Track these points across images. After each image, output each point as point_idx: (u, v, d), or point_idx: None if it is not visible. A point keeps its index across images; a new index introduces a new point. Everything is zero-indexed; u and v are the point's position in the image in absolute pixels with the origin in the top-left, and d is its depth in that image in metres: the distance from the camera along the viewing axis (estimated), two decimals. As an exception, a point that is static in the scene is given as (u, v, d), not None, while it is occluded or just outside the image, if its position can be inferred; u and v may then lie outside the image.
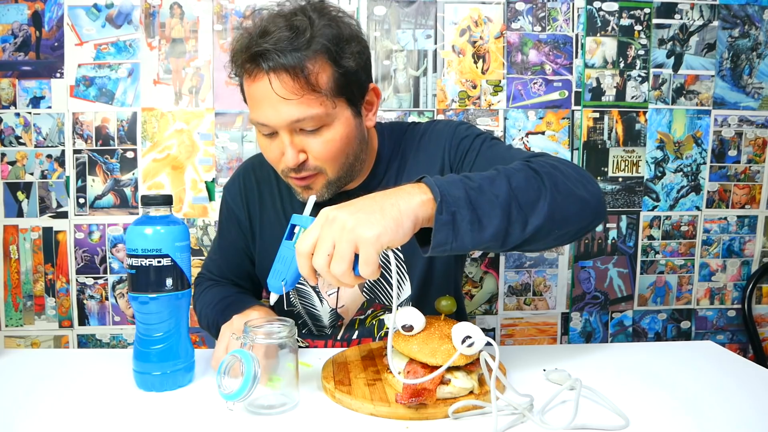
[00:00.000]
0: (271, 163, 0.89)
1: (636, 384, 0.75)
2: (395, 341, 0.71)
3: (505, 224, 0.64)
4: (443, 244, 0.62)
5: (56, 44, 1.47)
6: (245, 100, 0.86)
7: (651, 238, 1.63)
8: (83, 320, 1.54)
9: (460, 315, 1.07)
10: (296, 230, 0.69)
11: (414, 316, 0.70)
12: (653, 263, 1.64)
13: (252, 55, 0.78)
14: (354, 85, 0.84)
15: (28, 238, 1.51)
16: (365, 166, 0.96)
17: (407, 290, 0.96)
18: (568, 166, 0.75)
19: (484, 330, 1.61)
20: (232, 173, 1.09)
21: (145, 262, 0.72)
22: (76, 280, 1.52)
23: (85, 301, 1.53)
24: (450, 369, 0.66)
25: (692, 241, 1.64)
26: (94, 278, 1.53)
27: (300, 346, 0.72)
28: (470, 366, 0.68)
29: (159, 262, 0.72)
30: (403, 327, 0.70)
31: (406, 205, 0.61)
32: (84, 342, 1.55)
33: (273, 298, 0.71)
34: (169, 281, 0.73)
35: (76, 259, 1.52)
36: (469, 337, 0.66)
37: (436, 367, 0.65)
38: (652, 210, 1.62)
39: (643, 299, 1.65)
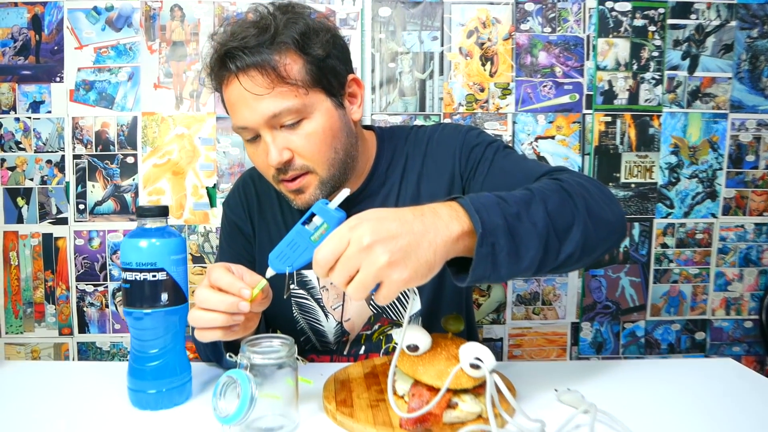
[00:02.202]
0: (261, 171, 0.86)
1: (653, 406, 0.71)
2: (400, 361, 0.67)
3: (540, 254, 0.61)
4: (481, 278, 0.59)
5: (56, 48, 1.45)
6: (227, 112, 0.84)
7: (665, 246, 1.58)
8: (83, 328, 1.51)
9: (470, 332, 1.03)
10: (315, 219, 0.64)
11: (419, 336, 0.67)
12: (667, 272, 1.59)
13: (220, 58, 0.77)
14: (329, 74, 0.81)
15: (28, 245, 1.49)
16: (362, 167, 0.92)
17: (417, 305, 0.93)
18: (593, 184, 0.72)
19: (491, 340, 1.56)
20: (231, 188, 1.05)
21: (140, 276, 0.70)
22: (76, 287, 1.50)
23: (85, 309, 1.51)
24: (457, 392, 0.63)
25: (707, 250, 1.59)
26: (94, 285, 1.50)
27: (301, 365, 0.69)
28: (478, 389, 0.65)
29: (154, 276, 0.70)
30: (408, 347, 0.66)
31: (443, 243, 0.57)
32: (84, 350, 1.52)
33: (269, 272, 0.68)
34: (164, 296, 0.71)
35: (76, 265, 1.50)
36: (479, 359, 0.62)
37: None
38: (666, 217, 1.57)
39: (656, 309, 1.60)
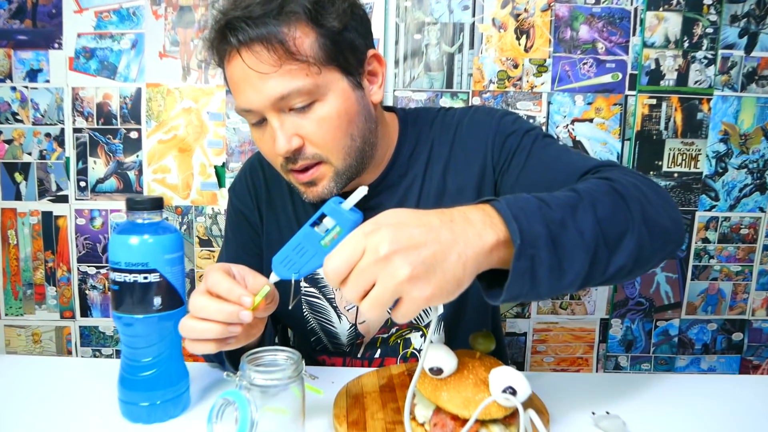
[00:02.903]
0: (268, 159, 0.77)
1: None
2: (421, 383, 0.60)
3: (586, 268, 0.52)
4: (517, 296, 0.50)
5: (54, 11, 1.34)
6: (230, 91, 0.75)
7: (706, 241, 1.46)
8: (85, 311, 1.45)
9: (498, 348, 0.93)
10: (325, 221, 0.56)
11: (443, 357, 0.59)
12: (706, 269, 1.47)
13: (221, 30, 0.68)
14: (346, 49, 0.71)
15: (27, 223, 1.41)
16: (381, 155, 0.82)
17: (440, 308, 0.83)
18: (647, 184, 0.63)
19: (513, 335, 1.48)
20: (237, 172, 0.96)
21: (129, 277, 0.62)
22: (78, 268, 1.43)
23: (87, 291, 1.44)
24: (485, 422, 0.56)
25: (752, 246, 1.47)
26: (97, 267, 1.43)
27: (312, 377, 0.61)
28: (509, 418, 0.57)
29: (146, 278, 0.62)
30: (431, 370, 0.58)
31: (474, 255, 0.48)
32: (87, 334, 1.46)
33: (273, 278, 0.60)
34: (157, 300, 0.63)
35: (77, 246, 1.42)
36: (512, 389, 0.54)
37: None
38: (710, 210, 1.45)
39: (693, 307, 1.49)
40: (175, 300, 0.65)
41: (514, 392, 0.54)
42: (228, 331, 0.58)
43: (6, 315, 1.45)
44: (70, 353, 1.46)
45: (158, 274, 0.63)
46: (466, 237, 0.49)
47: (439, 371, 0.58)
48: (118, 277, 0.63)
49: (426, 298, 0.47)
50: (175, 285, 0.65)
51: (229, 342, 0.61)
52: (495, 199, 0.53)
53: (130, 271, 0.62)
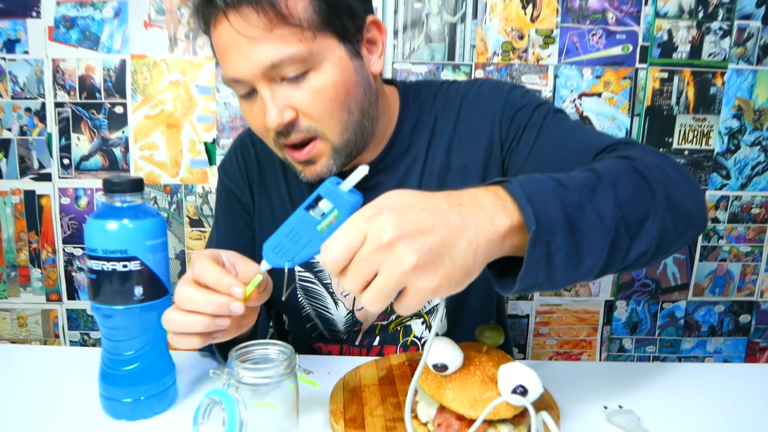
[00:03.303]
0: (259, 134, 0.71)
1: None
2: (423, 379, 0.56)
3: (605, 255, 0.48)
4: (531, 286, 0.46)
5: (31, -24, 1.26)
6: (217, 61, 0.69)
7: (715, 220, 1.41)
8: (72, 294, 1.40)
9: (505, 348, 0.88)
10: (321, 204, 0.51)
11: (448, 352, 0.54)
12: (715, 249, 1.43)
13: None
14: (343, 14, 0.65)
15: (9, 202, 1.35)
16: (381, 131, 0.77)
17: (442, 309, 0.79)
18: (669, 164, 0.59)
19: (516, 317, 1.44)
20: (228, 149, 0.90)
21: (108, 266, 0.58)
22: (63, 250, 1.37)
23: (73, 273, 1.39)
24: (493, 422, 0.53)
25: (763, 226, 1.42)
26: (83, 249, 1.37)
27: (307, 371, 0.56)
28: (518, 417, 0.54)
29: (125, 266, 0.58)
30: (435, 366, 0.54)
31: (485, 241, 0.44)
32: (74, 317, 1.41)
33: (264, 266, 0.55)
34: (138, 290, 0.59)
35: (62, 226, 1.36)
36: (522, 387, 0.50)
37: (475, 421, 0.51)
38: (720, 189, 1.40)
39: (700, 289, 1.45)
40: (158, 289, 0.61)
41: (525, 391, 0.50)
42: (215, 324, 0.53)
43: (-10, 298, 1.40)
44: (57, 337, 1.42)
45: (139, 261, 0.58)
46: (476, 222, 0.44)
47: (443, 368, 0.54)
48: (96, 265, 0.58)
49: (432, 288, 0.43)
50: (158, 273, 0.60)
51: (217, 335, 0.56)
52: (507, 180, 0.48)
53: (108, 259, 0.57)
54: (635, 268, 0.56)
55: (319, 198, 0.51)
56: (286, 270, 0.54)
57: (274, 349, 0.55)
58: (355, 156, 0.72)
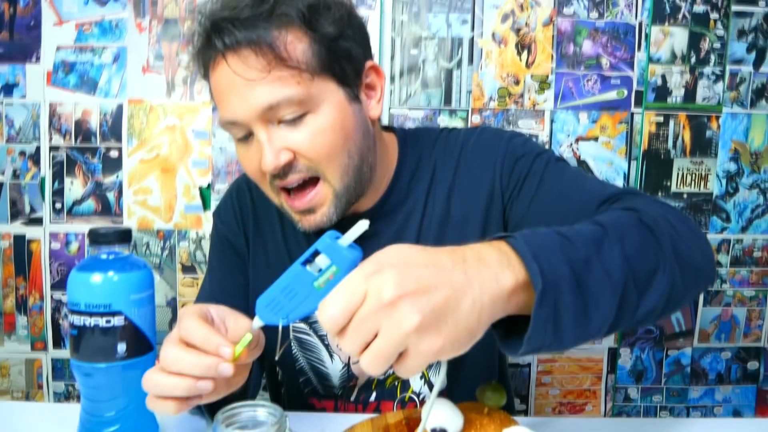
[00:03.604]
0: (254, 178, 0.70)
1: None
2: None
3: (614, 313, 0.46)
4: (539, 347, 0.44)
5: (32, 23, 1.27)
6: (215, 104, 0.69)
7: (718, 264, 1.39)
8: (58, 342, 1.35)
9: (507, 403, 0.84)
10: (319, 259, 0.48)
11: (448, 415, 0.52)
12: (719, 294, 1.40)
13: (206, 33, 0.63)
14: (342, 58, 0.66)
15: (-2, 247, 1.33)
16: (379, 178, 0.75)
17: (443, 375, 0.76)
18: (675, 215, 0.57)
19: (516, 366, 1.39)
20: (223, 194, 0.88)
21: (90, 321, 0.55)
22: (51, 296, 1.34)
23: (60, 321, 1.34)
24: None
25: (766, 269, 1.40)
26: (72, 295, 1.34)
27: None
28: None
29: (108, 321, 0.55)
30: (434, 431, 0.51)
31: (491, 301, 0.42)
32: (59, 367, 1.36)
33: (257, 323, 0.52)
34: (121, 346, 0.56)
35: (51, 272, 1.33)
36: None
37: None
38: (721, 232, 1.38)
39: (705, 335, 1.42)
40: (143, 345, 0.58)
41: None
42: (197, 388, 0.50)
43: (-27, 346, 1.35)
44: (40, 387, 1.36)
45: (123, 316, 0.56)
46: (481, 280, 0.42)
47: None
48: (77, 320, 0.56)
49: (435, 351, 0.40)
50: (143, 328, 0.58)
51: (195, 401, 0.52)
52: (510, 235, 0.46)
53: (91, 314, 0.55)
54: (644, 325, 0.54)
55: (316, 253, 0.49)
56: (280, 328, 0.51)
57: (263, 411, 0.51)
58: (352, 202, 0.71)
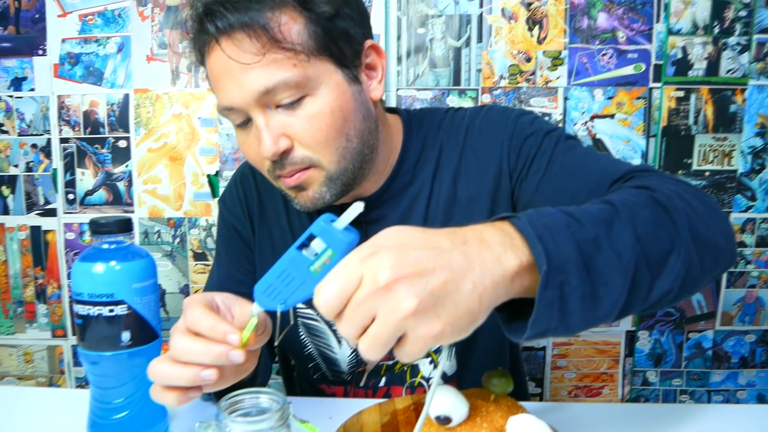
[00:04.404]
0: (254, 163, 0.69)
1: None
2: (425, 430, 0.52)
3: (625, 296, 0.44)
4: (544, 332, 0.42)
5: (37, 16, 1.28)
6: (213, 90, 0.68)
7: (742, 245, 1.34)
8: (77, 330, 1.38)
9: (518, 385, 0.80)
10: (314, 243, 0.47)
11: (453, 402, 0.51)
12: (743, 275, 1.35)
13: (198, 18, 0.61)
14: (340, 38, 0.64)
15: (15, 238, 1.35)
16: (383, 161, 0.73)
17: (447, 357, 0.75)
18: (692, 193, 0.55)
19: (531, 350, 1.37)
20: (228, 182, 0.88)
21: (93, 310, 0.56)
22: (68, 285, 1.36)
23: (78, 309, 1.37)
24: None
25: (794, 249, 1.35)
26: (88, 284, 1.37)
27: (302, 421, 0.52)
28: None
29: (111, 310, 0.56)
30: (438, 419, 0.51)
31: (492, 284, 0.41)
32: (79, 354, 1.40)
33: (255, 309, 0.51)
34: (126, 335, 0.57)
35: (67, 262, 1.36)
36: None
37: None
38: (746, 211, 1.32)
39: (728, 318, 1.37)
40: (147, 333, 0.58)
41: None
42: (201, 378, 0.49)
43: (-3, 334, 1.40)
44: (62, 373, 1.40)
45: (126, 305, 0.56)
46: (482, 262, 0.40)
47: (447, 420, 0.50)
48: (81, 309, 0.56)
49: (434, 335, 0.39)
50: (147, 317, 0.58)
51: (194, 394, 0.52)
52: (514, 215, 0.45)
53: (94, 303, 0.56)
54: (659, 308, 0.51)
55: (312, 237, 0.47)
56: (279, 313, 0.50)
57: (266, 398, 0.51)
58: (352, 185, 0.69)
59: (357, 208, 0.46)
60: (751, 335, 1.38)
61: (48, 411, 0.70)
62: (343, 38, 0.64)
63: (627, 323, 1.37)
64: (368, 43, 0.68)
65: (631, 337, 1.38)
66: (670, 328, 1.37)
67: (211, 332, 0.50)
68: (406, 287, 0.38)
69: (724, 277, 1.35)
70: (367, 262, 0.39)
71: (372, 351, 0.40)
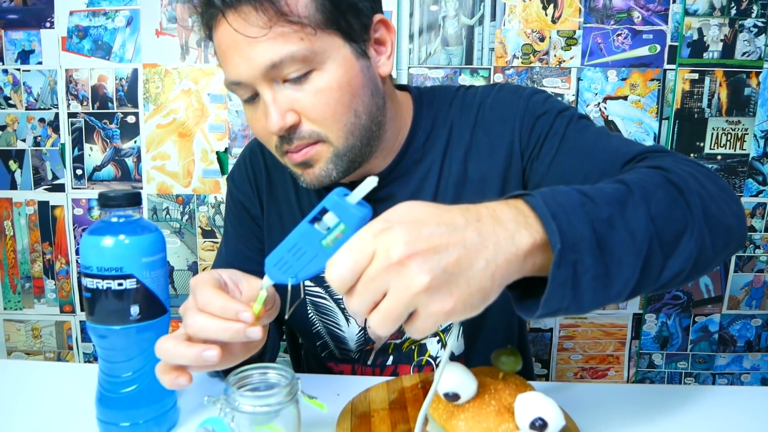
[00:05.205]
0: (262, 139, 0.68)
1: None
2: (434, 408, 0.52)
3: (637, 275, 0.44)
4: (557, 310, 0.42)
5: (45, -13, 1.26)
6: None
7: (752, 229, 1.33)
8: (86, 306, 1.39)
9: (524, 363, 0.82)
10: (327, 217, 0.47)
11: (461, 379, 0.51)
12: (751, 259, 1.35)
13: None
14: (348, 11, 0.62)
15: (23, 213, 1.35)
16: (392, 138, 0.73)
17: (456, 337, 0.75)
18: (705, 174, 0.55)
19: (538, 331, 1.38)
20: (236, 159, 0.87)
21: (102, 284, 0.55)
22: (77, 261, 1.36)
23: (86, 285, 1.38)
24: None
25: (803, 234, 1.34)
26: (96, 260, 1.37)
27: (310, 397, 0.52)
28: None
29: (120, 284, 0.55)
30: (446, 395, 0.50)
31: (505, 262, 0.40)
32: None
33: (266, 281, 0.51)
34: (134, 309, 0.56)
35: (75, 237, 1.35)
36: (542, 420, 0.46)
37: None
38: (757, 195, 1.32)
39: (735, 302, 1.37)
40: (157, 308, 0.58)
41: (544, 425, 0.46)
42: (203, 357, 0.49)
43: (5, 309, 1.40)
44: (71, 349, 1.41)
45: (135, 279, 0.55)
46: (496, 240, 0.40)
47: (455, 397, 0.50)
48: (90, 283, 0.55)
49: (446, 312, 0.39)
50: (156, 291, 0.58)
51: (183, 380, 0.51)
52: (528, 193, 0.44)
53: (103, 277, 0.55)
54: (670, 288, 0.51)
55: (324, 211, 0.47)
56: (289, 287, 0.50)
57: (274, 374, 0.52)
58: (360, 162, 0.68)
59: (371, 183, 0.46)
60: (758, 319, 1.38)
61: (57, 385, 0.70)
62: (351, 12, 0.63)
63: (634, 306, 1.37)
64: (377, 17, 0.66)
65: (638, 320, 1.38)
66: (677, 312, 1.37)
67: (222, 312, 0.50)
68: (419, 263, 0.38)
69: (733, 261, 1.35)
70: (380, 237, 0.39)
71: (382, 326, 0.40)
